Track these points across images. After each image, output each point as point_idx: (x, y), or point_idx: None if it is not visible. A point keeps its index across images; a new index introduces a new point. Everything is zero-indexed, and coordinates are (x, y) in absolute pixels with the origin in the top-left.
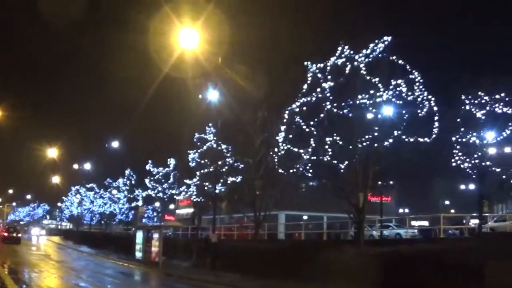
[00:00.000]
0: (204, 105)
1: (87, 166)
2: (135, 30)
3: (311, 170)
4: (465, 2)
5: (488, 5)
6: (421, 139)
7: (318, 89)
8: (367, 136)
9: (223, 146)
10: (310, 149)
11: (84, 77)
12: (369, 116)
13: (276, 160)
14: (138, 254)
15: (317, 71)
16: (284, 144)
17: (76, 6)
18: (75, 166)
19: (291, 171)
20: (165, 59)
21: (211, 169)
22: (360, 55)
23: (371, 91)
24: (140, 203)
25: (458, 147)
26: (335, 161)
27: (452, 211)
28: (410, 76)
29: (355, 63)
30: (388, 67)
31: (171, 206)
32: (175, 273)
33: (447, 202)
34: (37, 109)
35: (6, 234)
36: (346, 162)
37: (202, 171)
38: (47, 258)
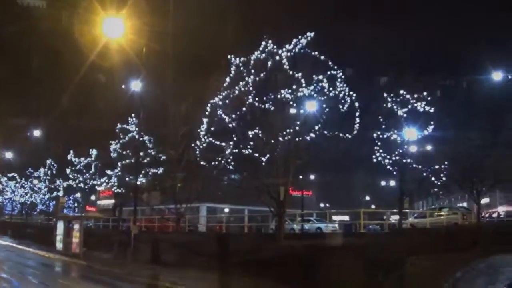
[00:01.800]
0: (127, 95)
1: (9, 155)
2: (59, 18)
3: (232, 163)
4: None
5: (414, 4)
6: (342, 135)
7: (241, 83)
8: (288, 130)
9: (145, 138)
10: (232, 143)
11: (6, 65)
12: (291, 110)
13: (198, 152)
14: (59, 245)
15: (240, 65)
16: (206, 137)
17: None
18: None
19: (213, 163)
20: (89, 48)
21: (132, 160)
22: (283, 50)
23: (294, 86)
24: (61, 193)
25: (379, 143)
26: (257, 155)
27: (373, 206)
28: (332, 72)
29: (278, 58)
30: (311, 62)
31: (93, 197)
32: (95, 265)
33: (367, 198)
34: None
35: None
36: (268, 156)
37: (123, 162)
38: None
